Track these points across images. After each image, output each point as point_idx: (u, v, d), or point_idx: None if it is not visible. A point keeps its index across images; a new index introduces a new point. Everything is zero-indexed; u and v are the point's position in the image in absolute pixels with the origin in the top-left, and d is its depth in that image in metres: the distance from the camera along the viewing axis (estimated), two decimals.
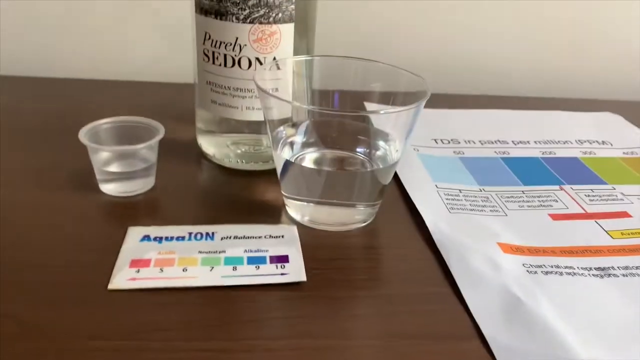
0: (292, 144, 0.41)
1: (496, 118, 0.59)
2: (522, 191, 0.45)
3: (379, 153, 0.41)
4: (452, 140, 0.53)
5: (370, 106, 0.41)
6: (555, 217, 0.42)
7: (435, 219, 0.40)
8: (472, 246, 0.37)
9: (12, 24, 0.62)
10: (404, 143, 0.38)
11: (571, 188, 0.46)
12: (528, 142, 0.54)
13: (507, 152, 0.51)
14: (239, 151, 0.45)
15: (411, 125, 0.37)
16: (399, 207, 0.42)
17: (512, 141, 0.54)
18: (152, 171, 0.42)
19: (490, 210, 0.42)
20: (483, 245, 0.37)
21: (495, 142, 0.53)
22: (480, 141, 0.53)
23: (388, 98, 0.41)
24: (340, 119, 0.43)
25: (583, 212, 0.43)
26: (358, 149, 0.41)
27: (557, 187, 0.46)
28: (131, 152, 0.40)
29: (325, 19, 0.48)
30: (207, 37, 0.41)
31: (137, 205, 0.40)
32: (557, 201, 0.44)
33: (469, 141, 0.53)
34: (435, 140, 0.53)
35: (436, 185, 0.45)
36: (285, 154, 0.40)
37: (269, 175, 0.43)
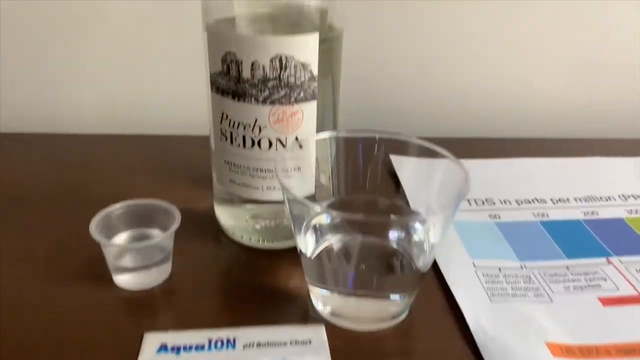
0: (315, 228, 0.38)
1: (531, 168, 0.55)
2: (567, 267, 0.42)
3: (415, 238, 0.38)
4: (486, 200, 0.50)
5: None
6: (605, 302, 0.39)
7: (476, 313, 0.37)
8: (519, 349, 0.34)
9: (12, 74, 0.60)
10: (445, 227, 0.35)
11: (619, 261, 0.43)
12: (567, 199, 0.50)
13: (546, 214, 0.48)
14: (258, 227, 0.42)
15: (454, 210, 0.34)
16: (435, 292, 0.39)
17: (551, 199, 0.50)
18: (168, 259, 0.39)
19: (534, 295, 0.39)
20: (530, 348, 0.34)
21: (533, 201, 0.50)
22: (516, 201, 0.50)
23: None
24: (371, 196, 0.40)
25: (636, 293, 0.39)
26: (391, 233, 0.38)
27: (604, 259, 0.43)
28: (147, 245, 0.37)
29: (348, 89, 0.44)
30: (225, 117, 0.38)
31: (153, 300, 0.37)
32: (605, 280, 0.41)
33: (504, 201, 0.50)
34: (469, 201, 0.50)
35: (474, 264, 0.42)
36: (309, 240, 0.37)
37: (292, 254, 0.40)
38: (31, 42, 0.58)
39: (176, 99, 0.61)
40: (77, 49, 0.59)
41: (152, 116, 0.62)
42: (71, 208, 0.46)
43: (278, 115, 0.37)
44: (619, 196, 0.51)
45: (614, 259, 0.43)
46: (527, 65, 0.63)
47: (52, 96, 0.61)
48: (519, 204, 0.49)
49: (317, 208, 0.34)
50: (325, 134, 0.38)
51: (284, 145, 0.38)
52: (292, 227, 0.35)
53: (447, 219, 0.34)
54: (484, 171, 0.54)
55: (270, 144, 0.38)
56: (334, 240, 0.37)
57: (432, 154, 0.37)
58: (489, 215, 0.48)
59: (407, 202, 0.40)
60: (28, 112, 0.61)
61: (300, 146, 0.38)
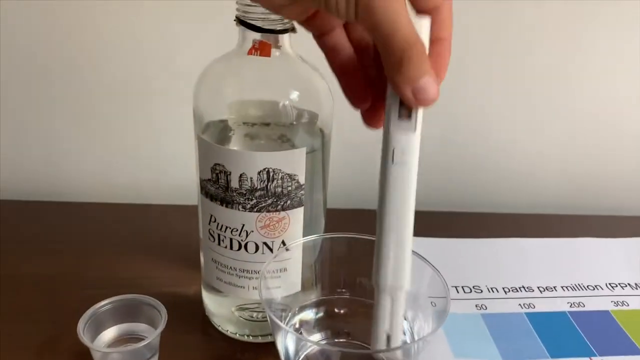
0: (297, 329, 0.39)
1: (519, 250, 0.55)
2: None
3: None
4: (474, 288, 0.50)
5: None
6: None
7: None
8: None
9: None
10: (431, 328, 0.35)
11: None
12: (554, 288, 0.51)
13: (533, 305, 0.48)
14: (243, 319, 0.42)
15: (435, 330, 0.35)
16: None
17: (539, 288, 0.51)
18: (154, 356, 0.39)
19: None
20: None
21: (520, 289, 0.50)
22: (504, 289, 0.50)
23: None
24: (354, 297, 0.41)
25: None
26: None
27: (587, 359, 0.43)
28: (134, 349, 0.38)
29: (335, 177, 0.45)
30: (213, 219, 0.39)
31: None
32: None
33: (492, 289, 0.50)
34: (456, 288, 0.50)
35: None
36: (289, 344, 0.37)
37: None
38: (34, 114, 0.60)
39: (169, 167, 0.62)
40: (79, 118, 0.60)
41: (144, 184, 0.63)
42: (63, 294, 0.46)
43: (265, 222, 0.37)
44: (607, 285, 0.51)
45: (597, 359, 0.43)
46: (522, 132, 0.64)
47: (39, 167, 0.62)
48: (506, 292, 0.50)
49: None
50: (312, 238, 0.39)
51: (270, 249, 0.38)
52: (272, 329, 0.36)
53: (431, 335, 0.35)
54: (474, 252, 0.55)
55: (257, 248, 0.38)
56: (314, 350, 0.38)
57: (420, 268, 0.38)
58: (476, 306, 0.48)
59: None
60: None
61: (287, 249, 0.39)
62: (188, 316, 0.44)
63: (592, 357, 0.43)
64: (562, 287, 0.51)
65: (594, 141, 0.64)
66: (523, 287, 0.51)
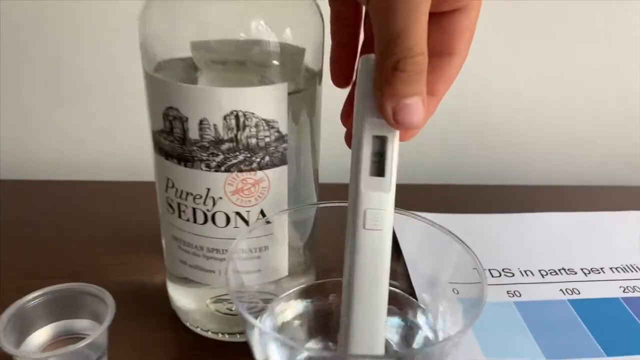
0: (280, 328, 0.30)
1: (555, 226, 0.46)
2: None
3: (418, 338, 0.29)
4: (503, 271, 0.41)
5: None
6: None
7: None
8: None
9: None
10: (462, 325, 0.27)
11: None
12: (602, 269, 0.42)
13: (577, 291, 0.39)
14: (219, 313, 0.33)
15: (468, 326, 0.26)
16: None
17: (582, 270, 0.41)
18: (102, 358, 0.31)
19: None
20: None
21: (560, 271, 0.41)
22: (540, 272, 0.41)
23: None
24: None
25: None
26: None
27: None
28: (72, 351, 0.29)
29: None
30: (170, 184, 0.30)
31: None
32: None
33: (525, 272, 0.41)
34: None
35: None
36: (271, 351, 0.28)
37: None
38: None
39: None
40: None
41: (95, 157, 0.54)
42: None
43: (237, 185, 0.28)
44: None
45: None
46: (545, 101, 0.55)
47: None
48: (543, 276, 0.41)
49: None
50: (301, 207, 0.30)
51: (246, 221, 0.30)
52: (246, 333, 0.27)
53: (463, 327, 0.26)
54: (501, 228, 0.46)
55: (228, 220, 0.29)
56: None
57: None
58: (507, 293, 0.39)
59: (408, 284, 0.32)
60: None
61: (268, 222, 0.30)
62: (150, 311, 0.36)
63: None
64: (611, 268, 0.42)
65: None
66: (563, 269, 0.41)
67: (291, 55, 0.29)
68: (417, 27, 0.20)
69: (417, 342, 0.30)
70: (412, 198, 0.49)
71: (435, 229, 0.30)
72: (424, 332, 0.30)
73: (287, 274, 0.32)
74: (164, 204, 0.31)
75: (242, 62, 0.29)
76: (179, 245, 0.31)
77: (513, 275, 0.41)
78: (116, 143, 0.53)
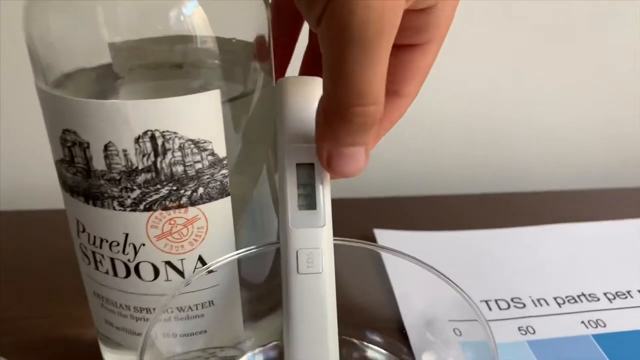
0: None
1: (571, 240, 0.40)
2: None
3: None
4: (513, 301, 0.34)
5: None
6: None
7: None
8: None
9: None
10: None
11: None
12: (629, 292, 0.35)
13: (602, 322, 0.33)
14: None
15: None
16: None
17: (606, 295, 0.35)
18: None
19: None
20: None
21: (580, 298, 0.35)
22: (557, 300, 0.34)
23: None
24: None
25: None
26: None
27: None
28: None
29: None
30: (81, 228, 0.23)
31: None
32: None
33: (539, 301, 0.34)
34: (487, 303, 0.34)
35: None
36: None
37: None
38: None
39: None
40: None
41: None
42: None
43: (162, 227, 0.22)
44: None
45: None
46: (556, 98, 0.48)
47: None
48: (560, 305, 0.34)
49: None
50: (252, 250, 0.24)
51: (180, 273, 0.23)
52: None
53: None
54: (507, 246, 0.39)
55: (157, 272, 0.23)
56: None
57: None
58: (519, 329, 0.32)
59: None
60: None
61: (210, 271, 0.23)
62: None
63: None
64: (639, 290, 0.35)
65: None
66: (583, 295, 0.35)
67: (235, 51, 0.22)
68: (375, 68, 0.16)
69: None
70: (406, 212, 0.43)
71: (425, 270, 0.23)
72: None
73: (242, 331, 0.25)
74: (79, 253, 0.24)
75: (179, 65, 0.22)
76: (102, 303, 0.25)
77: (524, 306, 0.34)
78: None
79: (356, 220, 0.41)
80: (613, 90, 0.47)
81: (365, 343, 0.26)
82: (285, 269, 0.21)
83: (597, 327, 0.32)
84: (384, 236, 0.39)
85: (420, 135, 0.47)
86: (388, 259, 0.26)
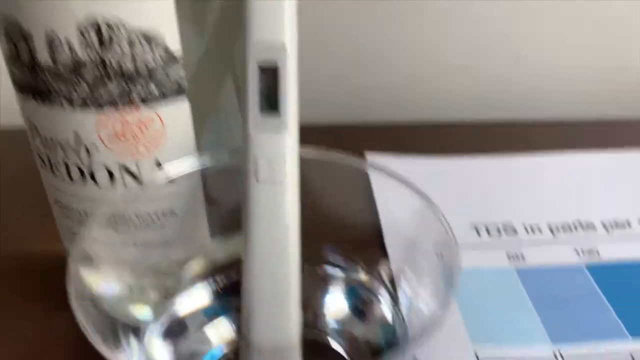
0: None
1: (571, 169, 0.38)
2: (631, 355, 0.25)
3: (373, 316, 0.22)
4: (504, 227, 0.33)
5: None
6: None
7: None
8: None
9: None
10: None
11: None
12: (628, 222, 0.33)
13: (596, 252, 0.31)
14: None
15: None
16: None
17: (603, 224, 0.33)
18: None
19: None
20: None
21: (575, 226, 0.33)
22: (550, 227, 0.33)
23: None
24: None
25: None
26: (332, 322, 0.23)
27: None
28: None
29: None
30: (34, 130, 0.22)
31: None
32: None
33: (532, 228, 0.33)
34: (476, 228, 0.33)
35: (477, 356, 0.25)
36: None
37: None
38: None
39: None
40: None
41: None
42: None
43: (114, 127, 0.20)
44: None
45: None
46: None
47: None
48: (553, 233, 0.32)
49: None
50: (214, 156, 0.22)
51: (136, 178, 0.22)
52: None
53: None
54: (504, 174, 0.37)
55: (112, 177, 0.22)
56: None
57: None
58: (508, 256, 0.31)
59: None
60: None
61: (170, 181, 0.22)
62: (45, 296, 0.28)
63: None
64: (639, 220, 0.33)
65: None
66: (579, 223, 0.33)
67: None
68: None
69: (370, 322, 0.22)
70: (402, 138, 0.41)
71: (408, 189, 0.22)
72: (383, 309, 0.23)
73: (208, 242, 0.24)
74: (37, 159, 0.23)
75: None
76: (63, 212, 0.24)
77: (516, 232, 0.33)
78: None
79: (349, 145, 0.40)
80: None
81: (340, 259, 0.25)
82: (245, 177, 0.20)
83: (590, 256, 0.31)
84: (377, 160, 0.38)
85: (419, 61, 0.45)
86: (376, 180, 0.24)
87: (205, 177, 0.23)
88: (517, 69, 0.45)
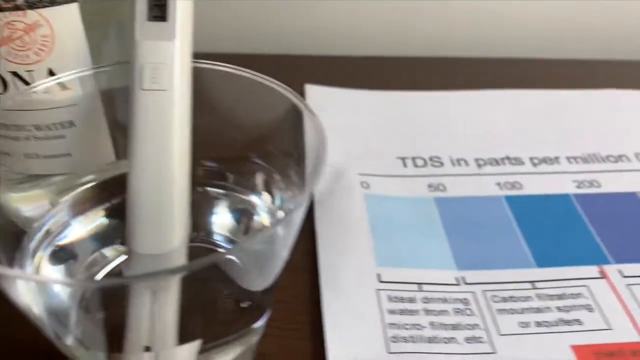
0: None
1: (509, 106, 0.38)
2: (532, 283, 0.26)
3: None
4: (431, 160, 0.33)
5: None
6: (583, 355, 0.23)
7: None
8: None
9: None
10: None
11: (619, 272, 0.26)
12: (557, 159, 0.33)
13: (519, 185, 0.31)
14: None
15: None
16: (303, 331, 0.24)
17: (532, 159, 0.33)
18: None
19: (467, 340, 0.23)
20: None
21: (503, 161, 0.33)
22: (477, 161, 0.33)
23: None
24: None
25: (638, 340, 0.23)
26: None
27: (595, 268, 0.27)
28: None
29: None
30: None
31: None
32: (591, 310, 0.25)
33: (458, 161, 0.33)
34: (403, 159, 0.33)
35: (379, 276, 0.26)
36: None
37: None
38: None
39: None
40: None
41: None
42: None
43: (2, 33, 0.20)
44: (636, 156, 0.34)
45: (611, 269, 0.26)
46: None
47: None
48: (480, 166, 0.33)
49: None
50: (107, 66, 0.22)
51: (28, 85, 0.22)
52: None
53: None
54: (440, 108, 0.37)
55: (5, 84, 0.21)
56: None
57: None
58: (429, 186, 0.31)
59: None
60: None
61: (64, 87, 0.22)
62: None
63: (604, 266, 0.27)
64: (568, 158, 0.33)
65: None
66: (508, 157, 0.33)
67: None
68: None
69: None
70: (341, 70, 0.41)
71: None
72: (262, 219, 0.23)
73: (111, 156, 0.24)
74: None
75: None
76: None
77: (442, 165, 0.33)
78: None
79: (288, 75, 0.39)
80: None
81: (222, 173, 0.25)
82: (131, 85, 0.19)
83: (512, 188, 0.31)
84: (314, 91, 0.38)
85: None
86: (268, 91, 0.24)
87: (110, 97, 0.23)
88: (446, 8, 0.44)
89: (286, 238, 0.18)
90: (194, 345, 0.19)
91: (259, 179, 0.23)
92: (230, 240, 0.23)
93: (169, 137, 0.19)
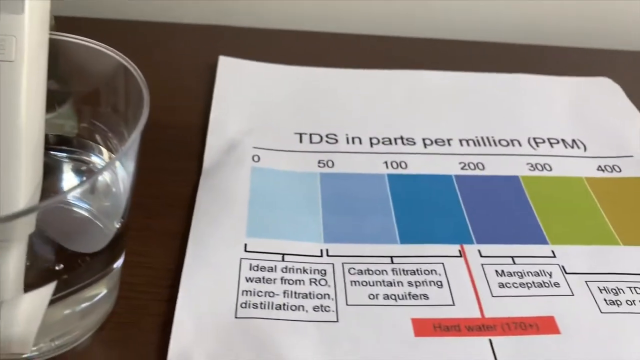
0: None
1: (412, 86, 0.38)
2: (391, 258, 0.27)
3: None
4: (327, 137, 0.34)
5: None
6: (421, 327, 0.24)
7: (189, 339, 0.23)
8: None
9: None
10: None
11: (478, 252, 0.28)
12: (449, 140, 0.35)
13: (404, 164, 0.33)
14: None
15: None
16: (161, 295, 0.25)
17: (424, 140, 0.34)
18: None
19: (314, 309, 0.25)
20: None
21: (396, 140, 0.34)
22: (372, 140, 0.34)
23: None
24: None
25: (478, 317, 0.25)
26: None
27: (456, 247, 0.28)
28: None
29: None
30: None
31: None
32: (440, 286, 0.26)
33: (353, 139, 0.34)
34: (300, 134, 0.34)
35: (246, 246, 0.27)
36: None
37: None
38: None
39: None
40: None
41: None
42: None
43: None
44: (531, 139, 0.35)
45: (471, 249, 0.28)
46: None
47: None
48: (372, 145, 0.34)
49: None
50: None
51: None
52: None
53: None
54: (347, 87, 0.38)
55: None
56: None
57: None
58: (319, 162, 0.32)
59: None
60: None
61: None
62: None
63: (465, 245, 0.28)
64: (460, 140, 0.35)
65: None
66: (402, 137, 0.35)
67: None
68: None
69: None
70: (257, 43, 0.42)
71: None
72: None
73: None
74: None
75: None
76: None
77: (336, 142, 0.34)
78: None
79: (203, 46, 0.40)
80: None
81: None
82: None
83: (398, 168, 0.32)
84: (228, 63, 0.38)
85: None
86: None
87: None
88: None
89: (115, 188, 0.20)
90: (39, 293, 0.20)
91: (98, 139, 0.24)
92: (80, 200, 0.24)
93: (15, 106, 0.20)
